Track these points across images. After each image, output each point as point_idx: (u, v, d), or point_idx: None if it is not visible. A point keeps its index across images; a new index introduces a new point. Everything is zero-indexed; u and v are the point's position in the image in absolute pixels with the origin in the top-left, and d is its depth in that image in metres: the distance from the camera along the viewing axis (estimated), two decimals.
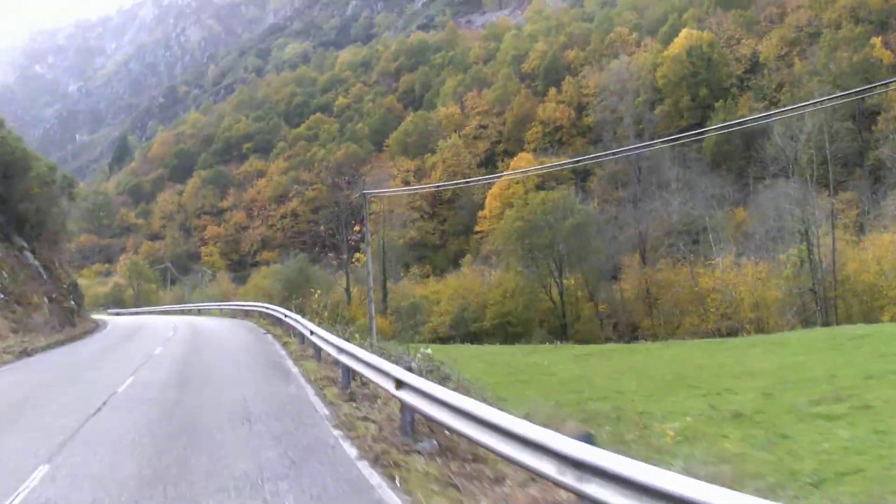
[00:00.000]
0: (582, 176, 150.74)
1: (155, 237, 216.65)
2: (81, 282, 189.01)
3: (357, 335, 38.56)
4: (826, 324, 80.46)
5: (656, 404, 35.70)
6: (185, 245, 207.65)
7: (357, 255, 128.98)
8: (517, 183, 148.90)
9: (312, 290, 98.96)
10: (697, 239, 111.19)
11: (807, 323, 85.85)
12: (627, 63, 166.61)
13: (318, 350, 33.09)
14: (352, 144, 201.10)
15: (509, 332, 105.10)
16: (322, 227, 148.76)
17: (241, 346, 44.61)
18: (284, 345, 43.08)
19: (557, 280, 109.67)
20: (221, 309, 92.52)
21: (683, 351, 59.34)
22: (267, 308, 64.03)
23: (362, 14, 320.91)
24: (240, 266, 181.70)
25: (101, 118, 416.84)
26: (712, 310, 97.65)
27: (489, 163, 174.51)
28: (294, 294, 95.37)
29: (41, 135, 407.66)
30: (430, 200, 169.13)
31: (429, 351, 36.41)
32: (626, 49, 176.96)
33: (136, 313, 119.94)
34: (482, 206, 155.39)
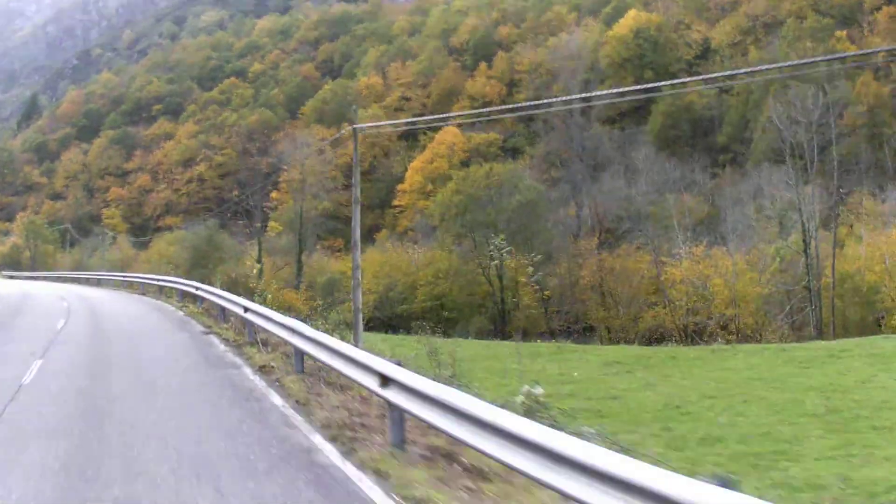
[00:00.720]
0: (511, 153, 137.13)
1: (57, 197, 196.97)
2: None
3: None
4: (820, 328, 70.48)
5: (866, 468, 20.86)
6: (87, 206, 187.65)
7: (271, 223, 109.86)
8: (441, 157, 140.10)
9: (221, 258, 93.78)
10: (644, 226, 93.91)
11: (798, 325, 73.79)
12: (566, 40, 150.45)
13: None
14: (266, 110, 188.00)
15: (442, 316, 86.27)
16: (235, 192, 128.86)
17: (169, 346, 29.44)
18: (222, 339, 30.31)
19: (498, 262, 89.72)
20: (125, 281, 73.25)
21: (760, 361, 43.12)
22: (187, 286, 48.72)
23: None
24: (142, 231, 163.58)
25: (14, 78, 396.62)
26: (679, 303, 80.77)
27: (410, 135, 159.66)
28: (201, 263, 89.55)
29: None
30: (345, 171, 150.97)
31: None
32: (565, 28, 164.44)
33: (32, 278, 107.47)
34: (402, 180, 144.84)
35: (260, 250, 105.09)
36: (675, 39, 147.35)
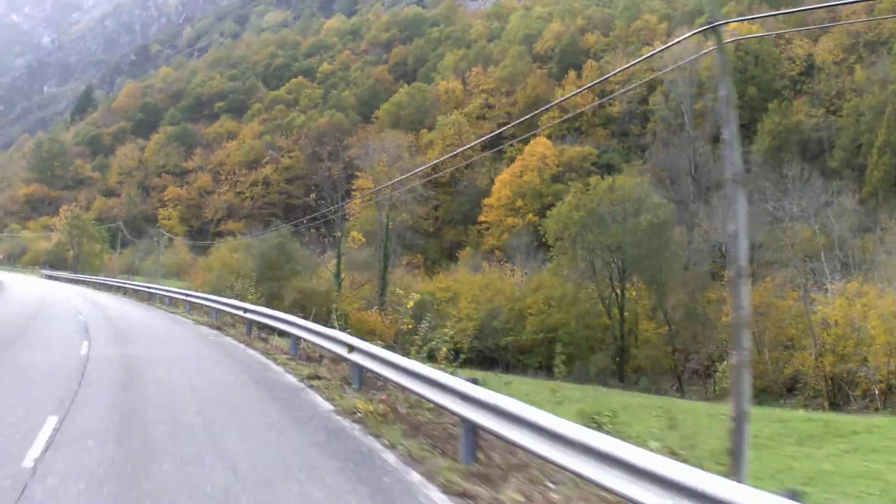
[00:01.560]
0: (606, 169, 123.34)
1: (110, 193, 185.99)
2: (30, 236, 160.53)
3: None
4: None
5: None
6: (141, 205, 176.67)
7: (353, 233, 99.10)
8: (532, 171, 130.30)
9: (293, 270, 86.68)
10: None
11: None
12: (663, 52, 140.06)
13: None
14: (336, 112, 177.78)
15: (554, 352, 74.32)
16: (313, 195, 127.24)
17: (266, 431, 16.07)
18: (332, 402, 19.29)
19: (618, 291, 78.12)
20: (189, 301, 53.12)
21: None
22: (274, 318, 32.75)
23: None
24: (200, 235, 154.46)
25: (70, 72, 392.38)
26: (828, 348, 66.14)
27: (495, 146, 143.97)
28: (270, 273, 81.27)
29: (9, 83, 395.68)
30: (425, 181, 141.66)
31: None
32: (656, 38, 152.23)
33: (73, 280, 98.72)
34: (487, 193, 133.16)
35: (339, 263, 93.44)
36: (776, 54, 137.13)
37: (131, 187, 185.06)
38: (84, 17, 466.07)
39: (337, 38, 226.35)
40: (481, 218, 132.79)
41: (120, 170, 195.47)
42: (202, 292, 63.98)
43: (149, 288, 61.06)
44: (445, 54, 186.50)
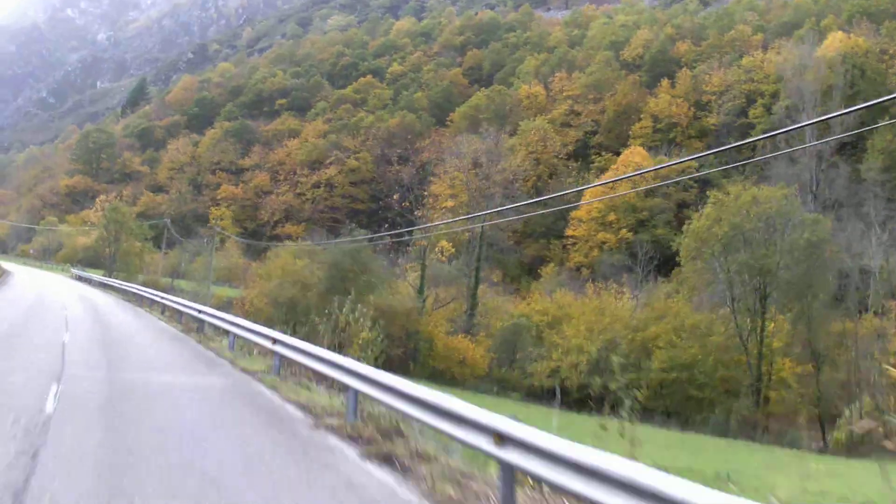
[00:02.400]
0: (702, 186, 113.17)
1: (159, 189, 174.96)
2: (68, 230, 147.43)
3: None
4: None
5: None
6: (192, 203, 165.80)
7: (441, 243, 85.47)
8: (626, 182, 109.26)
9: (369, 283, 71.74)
10: None
11: None
12: (762, 60, 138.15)
13: None
14: (408, 114, 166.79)
15: (681, 395, 60.57)
16: (395, 197, 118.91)
17: None
18: None
19: (759, 321, 64.38)
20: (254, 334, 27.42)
21: None
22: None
23: None
24: (254, 237, 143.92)
25: (125, 68, 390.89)
26: None
27: (580, 155, 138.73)
28: (341, 285, 65.12)
29: (61, 77, 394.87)
30: (505, 186, 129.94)
31: None
32: (750, 49, 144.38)
33: (104, 284, 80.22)
34: (575, 205, 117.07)
35: (423, 278, 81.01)
36: (881, 69, 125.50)
37: (182, 183, 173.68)
38: (141, 15, 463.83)
39: (408, 40, 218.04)
40: (568, 232, 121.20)
41: (171, 165, 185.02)
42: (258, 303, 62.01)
43: (201, 312, 37.97)
44: (525, 59, 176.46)
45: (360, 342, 24.12)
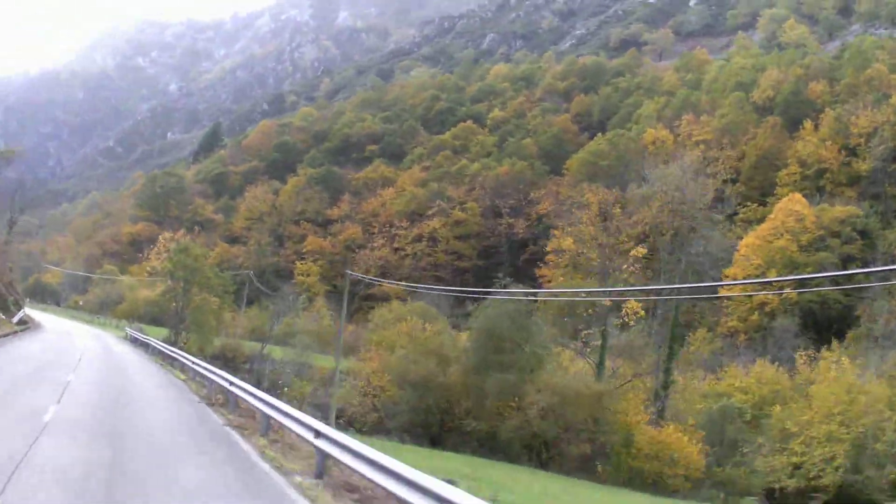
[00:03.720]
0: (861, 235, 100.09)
1: (234, 240, 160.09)
2: (129, 282, 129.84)
3: None
4: None
5: None
6: (273, 256, 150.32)
7: (631, 304, 64.16)
8: (785, 235, 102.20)
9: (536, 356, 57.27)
10: None
11: None
12: None
13: None
14: (517, 161, 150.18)
15: None
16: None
17: None
18: None
19: None
20: None
21: None
22: None
23: (499, 49, 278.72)
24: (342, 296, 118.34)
25: (197, 119, 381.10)
26: None
27: (721, 203, 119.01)
28: (497, 360, 54.20)
29: (130, 127, 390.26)
30: (639, 241, 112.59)
31: None
32: (890, 88, 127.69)
33: (173, 354, 53.05)
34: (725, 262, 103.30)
35: (604, 349, 62.95)
36: None
37: (261, 234, 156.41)
38: (214, 66, 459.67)
39: (507, 84, 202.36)
40: (722, 292, 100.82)
41: (248, 214, 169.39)
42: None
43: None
44: (642, 103, 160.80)
45: None
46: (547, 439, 53.57)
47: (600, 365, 60.63)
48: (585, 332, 63.85)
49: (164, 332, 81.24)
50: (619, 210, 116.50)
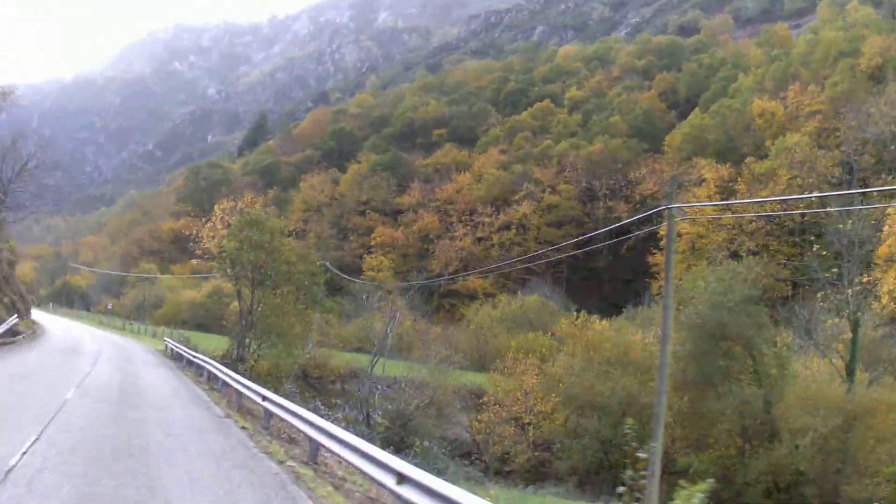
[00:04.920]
0: None
1: (289, 234, 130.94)
2: (170, 283, 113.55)
3: None
4: None
5: None
6: (336, 251, 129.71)
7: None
8: None
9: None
10: None
11: None
12: None
13: None
14: (610, 139, 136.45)
15: None
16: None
17: None
18: None
19: None
20: None
21: None
22: None
23: (550, 42, 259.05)
24: (421, 292, 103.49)
25: (237, 121, 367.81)
26: None
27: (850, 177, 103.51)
28: (716, 367, 40.16)
29: (169, 129, 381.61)
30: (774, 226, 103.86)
31: None
32: None
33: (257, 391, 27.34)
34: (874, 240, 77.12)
35: (856, 345, 43.79)
36: None
37: (322, 226, 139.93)
38: (253, 70, 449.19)
39: (580, 64, 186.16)
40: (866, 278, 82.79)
41: (305, 206, 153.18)
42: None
43: None
44: (736, 77, 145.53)
45: None
46: (823, 484, 34.76)
47: (851, 368, 41.49)
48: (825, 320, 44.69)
49: (219, 341, 59.19)
50: (743, 186, 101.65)
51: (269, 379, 41.73)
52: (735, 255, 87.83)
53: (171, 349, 55.21)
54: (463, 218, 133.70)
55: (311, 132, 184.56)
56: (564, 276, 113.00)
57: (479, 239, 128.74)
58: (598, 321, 52.95)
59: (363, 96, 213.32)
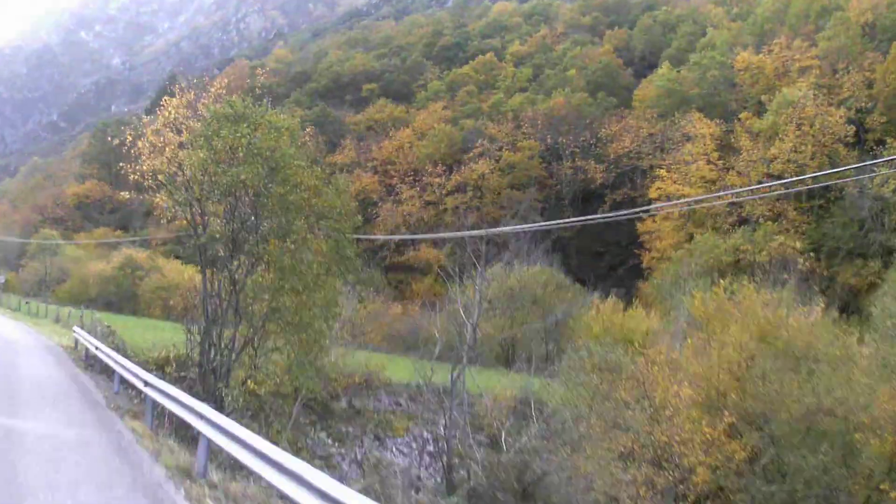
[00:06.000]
0: None
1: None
2: (75, 253, 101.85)
3: None
4: None
5: None
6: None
7: None
8: None
9: None
10: None
11: None
12: None
13: None
14: (573, 93, 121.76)
15: None
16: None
17: None
18: None
19: None
20: None
21: None
22: None
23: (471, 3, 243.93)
24: (369, 265, 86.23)
25: (142, 91, 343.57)
26: None
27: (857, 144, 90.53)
28: None
29: (74, 100, 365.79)
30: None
31: None
32: None
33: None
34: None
35: None
36: None
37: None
38: (157, 39, 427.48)
39: (520, 19, 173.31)
40: None
41: None
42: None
43: None
44: (705, 32, 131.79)
45: None
46: None
47: None
48: None
49: (154, 332, 38.77)
50: (748, 142, 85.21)
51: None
52: (744, 222, 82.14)
53: (87, 349, 31.99)
54: (406, 179, 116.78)
55: (230, 87, 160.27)
56: (563, 244, 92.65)
57: (429, 203, 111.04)
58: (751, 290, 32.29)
59: (281, 52, 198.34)
